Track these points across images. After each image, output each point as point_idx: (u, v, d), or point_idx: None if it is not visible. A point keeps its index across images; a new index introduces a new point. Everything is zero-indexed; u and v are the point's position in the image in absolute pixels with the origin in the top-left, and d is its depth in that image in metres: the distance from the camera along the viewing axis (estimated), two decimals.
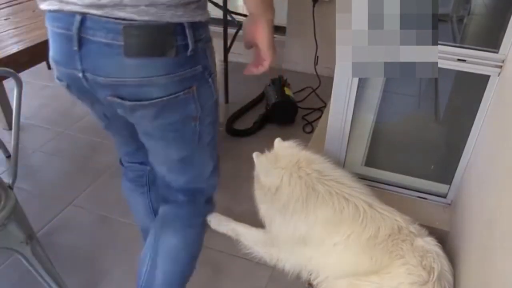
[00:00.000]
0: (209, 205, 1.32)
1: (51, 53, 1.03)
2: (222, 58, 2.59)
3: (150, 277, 1.26)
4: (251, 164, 2.31)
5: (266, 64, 1.10)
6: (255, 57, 1.11)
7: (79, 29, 0.92)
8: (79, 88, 1.03)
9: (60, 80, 1.08)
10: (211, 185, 1.28)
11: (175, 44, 0.93)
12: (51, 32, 1.00)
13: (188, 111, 1.05)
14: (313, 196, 1.50)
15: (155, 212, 1.52)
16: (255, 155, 1.57)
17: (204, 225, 1.34)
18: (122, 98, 0.98)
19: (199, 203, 1.28)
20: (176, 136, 1.10)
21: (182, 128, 1.09)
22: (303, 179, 1.52)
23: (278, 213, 1.57)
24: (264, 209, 1.63)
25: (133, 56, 0.92)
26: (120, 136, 1.29)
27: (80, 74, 0.97)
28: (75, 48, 0.94)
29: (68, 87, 1.07)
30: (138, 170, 1.41)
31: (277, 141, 1.66)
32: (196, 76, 1.00)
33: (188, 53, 0.95)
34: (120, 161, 1.46)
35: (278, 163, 1.56)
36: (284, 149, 1.63)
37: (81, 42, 0.93)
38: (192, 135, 1.11)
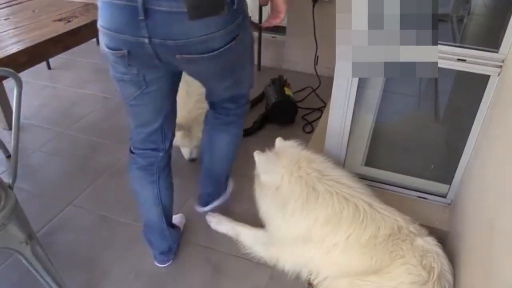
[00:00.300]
0: (247, 105, 1.62)
1: (107, 24, 1.16)
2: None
3: (210, 166, 1.72)
4: (251, 164, 2.31)
5: (282, 16, 1.33)
6: (271, 12, 1.35)
7: (144, 1, 1.07)
8: (139, 53, 1.18)
9: (116, 49, 1.19)
10: (249, 86, 1.55)
11: (225, 2, 1.12)
12: (107, 4, 1.13)
13: (237, 53, 1.29)
14: (313, 196, 1.50)
15: (162, 203, 1.56)
16: (256, 153, 1.57)
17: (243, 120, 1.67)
18: (189, 54, 1.18)
19: (242, 104, 1.58)
20: (228, 71, 1.35)
21: (233, 65, 1.33)
22: (304, 178, 1.52)
23: (278, 212, 1.57)
24: (264, 208, 1.63)
25: (195, 19, 1.09)
26: (151, 106, 1.38)
27: (147, 40, 1.13)
28: (141, 17, 1.09)
29: (128, 53, 1.18)
30: (150, 157, 1.49)
31: (278, 140, 1.66)
32: (240, 25, 1.21)
33: (234, 7, 1.15)
34: (131, 150, 1.52)
35: (279, 162, 1.56)
36: (285, 148, 1.63)
37: (147, 12, 1.08)
38: (240, 66, 1.38)
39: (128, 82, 1.30)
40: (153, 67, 1.25)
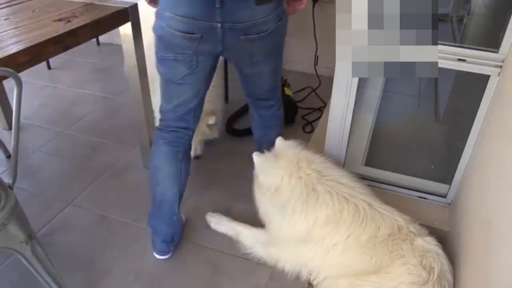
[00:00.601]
0: (281, 99, 1.87)
1: (182, 12, 1.35)
2: (222, 58, 2.59)
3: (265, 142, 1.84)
4: (251, 164, 2.31)
5: (305, 1, 1.57)
6: (289, 3, 1.55)
7: None
8: (210, 37, 1.40)
9: (190, 33, 1.39)
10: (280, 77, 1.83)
11: None
12: None
13: (281, 34, 1.54)
14: (313, 197, 1.50)
15: (180, 183, 1.63)
16: (255, 154, 1.57)
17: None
18: (250, 34, 1.42)
19: (278, 98, 1.85)
20: (273, 52, 1.59)
21: (277, 46, 1.59)
22: (303, 179, 1.52)
23: (277, 213, 1.57)
24: (263, 208, 1.63)
25: (260, 5, 1.34)
26: (194, 86, 1.56)
27: (219, 25, 1.37)
28: (218, 6, 1.33)
29: (201, 37, 1.40)
30: (180, 135, 1.63)
31: (278, 140, 1.66)
32: (282, 10, 1.47)
33: None
34: (159, 128, 1.65)
35: (278, 163, 1.56)
36: (285, 148, 1.63)
37: (222, 1, 1.32)
38: (281, 48, 1.64)
39: (180, 62, 1.47)
40: (211, 50, 1.46)
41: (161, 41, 1.48)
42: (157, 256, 1.70)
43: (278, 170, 1.55)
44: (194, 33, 1.39)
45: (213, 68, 1.57)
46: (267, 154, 1.60)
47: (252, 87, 1.75)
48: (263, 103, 1.81)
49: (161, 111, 1.64)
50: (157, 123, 1.71)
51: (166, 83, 1.57)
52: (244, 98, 1.85)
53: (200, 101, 1.62)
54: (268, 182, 1.56)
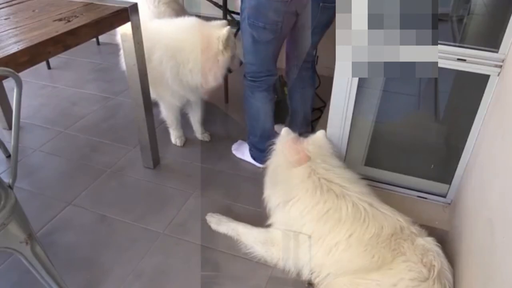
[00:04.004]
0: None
1: None
2: None
3: (305, 114, 2.25)
4: (251, 164, 2.31)
5: None
6: None
7: None
8: (299, 2, 1.75)
9: None
10: None
11: None
12: None
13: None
14: (311, 193, 1.55)
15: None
16: (284, 129, 1.73)
17: None
18: (326, 3, 1.77)
19: (313, 59, 2.17)
20: (327, 24, 1.89)
21: (333, 19, 1.80)
22: (311, 178, 1.58)
23: (278, 187, 1.66)
24: (270, 171, 1.74)
25: None
26: (280, 43, 1.92)
27: None
28: None
29: (291, 1, 1.72)
30: (271, 80, 2.02)
31: (320, 132, 1.73)
32: None
33: None
34: (251, 80, 1.99)
35: (298, 153, 1.66)
36: (317, 143, 1.69)
37: None
38: (332, 22, 1.88)
39: (268, 30, 1.80)
40: (292, 16, 1.80)
41: (257, 8, 1.76)
42: (262, 166, 1.92)
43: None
44: None
45: (287, 33, 1.91)
46: (294, 136, 1.72)
47: (304, 50, 2.02)
48: (306, 64, 2.11)
49: (253, 66, 1.98)
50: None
51: (255, 45, 1.90)
52: (289, 63, 2.14)
53: (278, 54, 1.98)
54: (284, 159, 1.67)
